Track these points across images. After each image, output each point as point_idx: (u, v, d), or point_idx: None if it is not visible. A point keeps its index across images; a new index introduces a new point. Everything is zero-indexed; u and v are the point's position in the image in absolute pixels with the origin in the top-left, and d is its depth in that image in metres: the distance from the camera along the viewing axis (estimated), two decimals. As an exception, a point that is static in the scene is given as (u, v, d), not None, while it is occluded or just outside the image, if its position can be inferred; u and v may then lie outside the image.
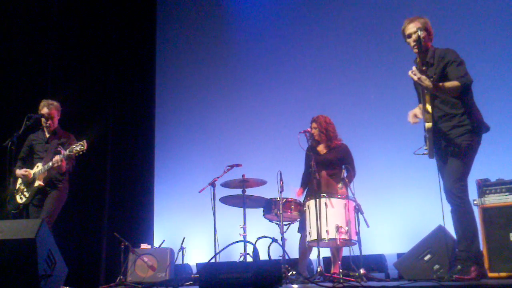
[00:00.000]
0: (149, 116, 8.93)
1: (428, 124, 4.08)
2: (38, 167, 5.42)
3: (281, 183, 5.35)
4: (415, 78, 3.93)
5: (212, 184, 6.01)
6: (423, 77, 3.91)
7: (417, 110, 4.23)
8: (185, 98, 8.90)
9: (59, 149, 5.33)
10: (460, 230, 4.00)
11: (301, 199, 5.57)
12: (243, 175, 5.71)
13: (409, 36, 4.21)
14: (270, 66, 8.27)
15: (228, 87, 8.52)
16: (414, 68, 3.93)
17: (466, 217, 3.96)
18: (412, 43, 4.18)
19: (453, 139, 4.05)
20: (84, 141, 5.26)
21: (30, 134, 5.64)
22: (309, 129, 5.63)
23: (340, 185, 5.16)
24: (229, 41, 8.82)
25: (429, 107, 4.07)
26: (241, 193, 5.74)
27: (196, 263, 7.14)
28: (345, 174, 5.27)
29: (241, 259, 5.49)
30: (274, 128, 7.83)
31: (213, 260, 5.26)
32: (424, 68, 4.03)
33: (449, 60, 4.06)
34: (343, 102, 7.44)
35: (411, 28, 4.19)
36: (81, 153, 5.26)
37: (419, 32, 4.02)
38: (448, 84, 3.97)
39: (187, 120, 8.78)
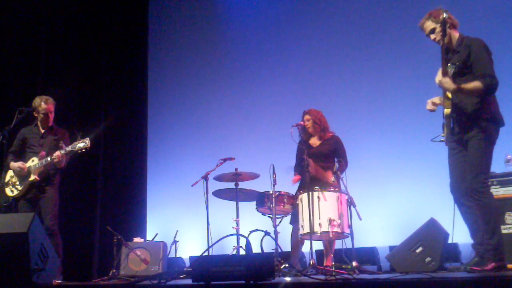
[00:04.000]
0: (142, 110, 8.90)
1: (447, 110, 4.07)
2: (34, 161, 5.39)
3: (274, 176, 5.36)
4: (436, 81, 3.99)
5: (205, 178, 6.01)
6: (444, 79, 3.93)
7: (436, 99, 4.22)
8: (178, 92, 8.88)
9: (61, 145, 5.32)
10: (482, 224, 3.90)
11: (294, 190, 5.59)
12: (236, 169, 5.71)
13: (431, 32, 4.18)
14: (262, 59, 8.27)
15: (220, 81, 8.51)
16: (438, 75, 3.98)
17: (486, 212, 3.87)
18: (435, 37, 4.15)
19: (466, 130, 4.01)
20: (88, 138, 5.27)
21: (22, 128, 5.61)
22: (301, 122, 5.65)
23: (332, 178, 5.17)
24: (220, 35, 8.80)
25: (449, 93, 4.05)
26: (234, 187, 5.75)
27: (189, 257, 7.10)
28: (337, 167, 5.28)
29: (234, 252, 5.50)
30: (267, 122, 7.84)
31: (206, 254, 5.26)
32: (449, 55, 4.07)
33: (475, 50, 4.00)
34: (335, 95, 7.46)
35: (430, 24, 4.16)
36: (83, 150, 5.26)
37: (444, 15, 3.93)
38: (470, 86, 3.92)
39: (180, 113, 8.76)
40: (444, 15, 3.95)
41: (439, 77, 4.00)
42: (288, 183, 5.73)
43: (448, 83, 3.93)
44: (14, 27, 7.46)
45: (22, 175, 5.38)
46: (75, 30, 8.11)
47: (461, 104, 4.04)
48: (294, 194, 5.50)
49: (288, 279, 4.04)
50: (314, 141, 5.71)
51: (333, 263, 5.03)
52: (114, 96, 8.48)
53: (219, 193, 5.87)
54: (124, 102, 8.59)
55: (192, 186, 6.07)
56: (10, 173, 5.47)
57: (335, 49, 7.67)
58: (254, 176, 5.78)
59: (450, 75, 4.06)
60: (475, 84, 3.91)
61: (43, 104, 5.51)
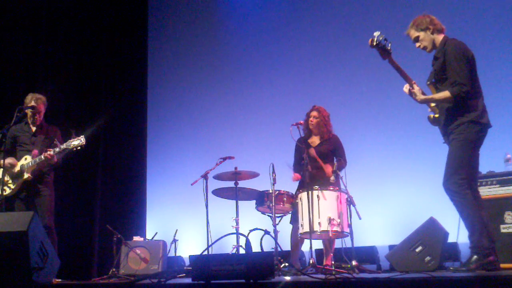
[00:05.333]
0: (141, 109, 8.90)
1: (430, 115, 4.21)
2: (27, 159, 5.36)
3: (274, 175, 5.35)
4: (407, 91, 4.14)
5: (205, 177, 6.01)
6: (414, 91, 4.06)
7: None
8: (177, 90, 8.88)
9: (55, 143, 5.30)
10: (463, 222, 3.99)
11: (293, 189, 5.59)
12: (235, 168, 5.71)
13: (415, 40, 4.26)
14: (262, 58, 8.27)
15: (220, 80, 8.51)
16: (406, 85, 4.13)
17: (463, 211, 3.93)
18: (419, 45, 4.25)
19: (450, 133, 4.05)
20: (83, 136, 5.24)
21: (12, 126, 5.56)
22: (301, 122, 5.62)
23: (332, 177, 5.16)
24: (220, 34, 8.80)
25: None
26: (234, 186, 5.75)
27: (189, 255, 7.13)
28: (336, 165, 5.27)
29: (234, 251, 5.50)
30: (266, 121, 7.84)
31: (205, 252, 5.26)
32: (432, 61, 4.19)
33: (448, 57, 4.03)
34: (335, 94, 7.45)
35: (414, 33, 4.25)
36: (79, 148, 5.24)
37: (373, 41, 4.06)
38: (438, 96, 4.03)
39: (179, 112, 8.76)
40: (375, 40, 4.01)
41: (407, 88, 4.12)
42: (287, 182, 5.72)
43: (417, 95, 4.07)
44: (13, 24, 7.44)
45: (14, 173, 5.35)
46: (74, 26, 8.09)
47: (442, 110, 4.12)
48: (293, 193, 5.50)
49: (287, 278, 4.04)
50: (314, 140, 5.70)
51: (333, 262, 5.02)
52: (114, 94, 8.48)
53: (218, 192, 5.87)
54: (124, 101, 8.59)
55: (191, 185, 6.07)
56: (1, 171, 5.43)
57: (335, 48, 7.67)
58: (253, 175, 5.78)
59: (431, 81, 4.17)
60: (444, 94, 3.99)
61: (33, 102, 5.47)
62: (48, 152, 5.23)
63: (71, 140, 5.25)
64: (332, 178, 5.16)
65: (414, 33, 4.24)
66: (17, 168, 5.36)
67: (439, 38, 4.19)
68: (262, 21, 8.43)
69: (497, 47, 6.50)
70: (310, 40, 7.91)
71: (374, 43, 4.03)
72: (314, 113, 5.66)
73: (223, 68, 8.56)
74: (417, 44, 4.26)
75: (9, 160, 5.36)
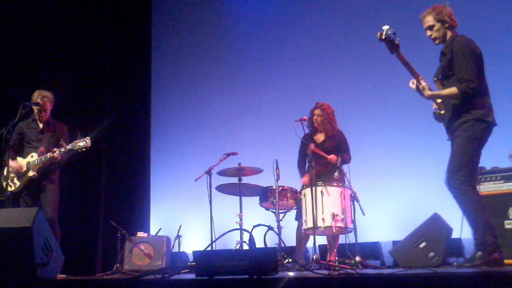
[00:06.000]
0: (145, 105, 8.90)
1: (435, 112, 4.20)
2: (33, 157, 5.38)
3: (277, 171, 5.37)
4: (413, 87, 4.11)
5: (208, 173, 6.02)
6: (420, 86, 4.04)
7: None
8: (181, 86, 8.88)
9: (61, 143, 5.33)
10: (466, 219, 3.97)
11: (296, 184, 5.58)
12: (239, 164, 5.72)
13: (429, 28, 4.19)
14: (265, 54, 8.25)
15: (224, 76, 8.50)
16: (412, 80, 4.11)
17: (466, 208, 3.91)
18: (431, 35, 4.18)
19: (454, 130, 4.03)
20: (88, 137, 5.28)
21: (20, 122, 5.57)
22: (305, 118, 5.61)
23: (336, 173, 5.16)
24: (224, 30, 8.78)
25: None
26: (237, 182, 5.76)
27: (193, 251, 7.21)
28: (340, 161, 5.25)
29: (237, 247, 5.52)
30: (270, 117, 7.83)
31: (209, 248, 5.28)
32: (440, 57, 4.15)
33: (455, 53, 3.99)
34: (339, 90, 7.43)
35: (430, 20, 4.16)
36: (84, 149, 5.27)
37: (383, 35, 3.98)
38: (445, 92, 4.00)
39: (183, 108, 8.76)
40: (383, 34, 3.97)
41: (414, 84, 4.10)
42: (291, 178, 5.73)
43: (424, 90, 4.04)
44: (17, 20, 7.45)
45: (20, 172, 5.37)
46: (78, 25, 8.10)
47: (448, 106, 4.10)
48: (297, 189, 5.49)
49: (291, 274, 4.05)
50: (319, 137, 5.68)
51: (337, 258, 5.03)
52: (118, 91, 8.48)
53: (222, 188, 5.88)
54: (128, 97, 8.59)
55: (195, 181, 6.08)
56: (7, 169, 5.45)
57: (339, 44, 7.64)
58: (257, 171, 5.79)
59: (437, 77, 4.14)
60: (451, 90, 3.96)
61: (39, 100, 5.49)
62: (54, 152, 5.25)
63: (77, 141, 5.28)
64: (336, 173, 5.15)
65: (430, 21, 4.15)
66: (24, 168, 5.38)
67: (450, 33, 4.14)
68: (266, 17, 8.41)
69: (503, 44, 6.47)
70: (314, 36, 7.89)
71: (383, 37, 3.99)
72: (318, 111, 5.63)
73: (226, 65, 8.55)
74: (429, 33, 4.18)
75: (15, 166, 5.37)
